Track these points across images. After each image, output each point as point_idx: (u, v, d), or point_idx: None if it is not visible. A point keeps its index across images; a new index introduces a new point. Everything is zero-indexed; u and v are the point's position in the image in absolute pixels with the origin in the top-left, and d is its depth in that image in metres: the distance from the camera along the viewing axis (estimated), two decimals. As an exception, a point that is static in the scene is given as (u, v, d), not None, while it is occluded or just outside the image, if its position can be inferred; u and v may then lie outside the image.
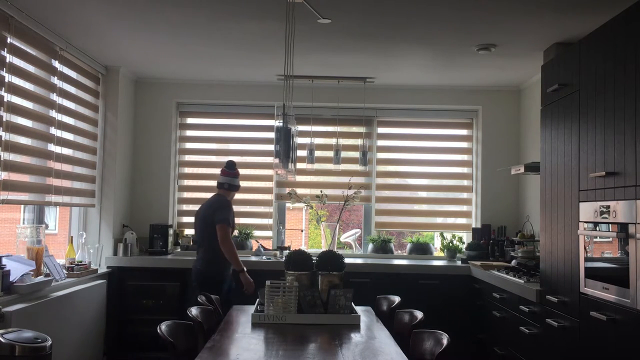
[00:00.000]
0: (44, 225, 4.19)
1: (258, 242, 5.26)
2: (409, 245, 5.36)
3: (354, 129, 5.47)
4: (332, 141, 5.14)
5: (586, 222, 2.95)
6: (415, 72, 4.89)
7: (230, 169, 4.36)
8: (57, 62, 4.12)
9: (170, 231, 5.13)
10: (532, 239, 4.56)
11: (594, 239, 2.90)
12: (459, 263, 4.95)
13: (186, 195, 5.52)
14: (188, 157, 5.54)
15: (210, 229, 4.09)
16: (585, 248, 2.96)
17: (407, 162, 5.50)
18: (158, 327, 2.60)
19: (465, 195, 5.48)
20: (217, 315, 3.38)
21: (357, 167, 5.19)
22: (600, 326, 2.72)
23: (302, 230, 8.29)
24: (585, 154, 3.00)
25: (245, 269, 4.14)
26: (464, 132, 5.53)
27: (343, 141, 5.26)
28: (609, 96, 2.77)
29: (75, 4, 3.46)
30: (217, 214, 4.09)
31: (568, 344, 3.05)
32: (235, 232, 5.23)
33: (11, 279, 3.31)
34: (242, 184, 5.61)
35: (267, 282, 3.14)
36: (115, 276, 4.70)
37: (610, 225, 2.70)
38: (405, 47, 4.17)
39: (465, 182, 5.50)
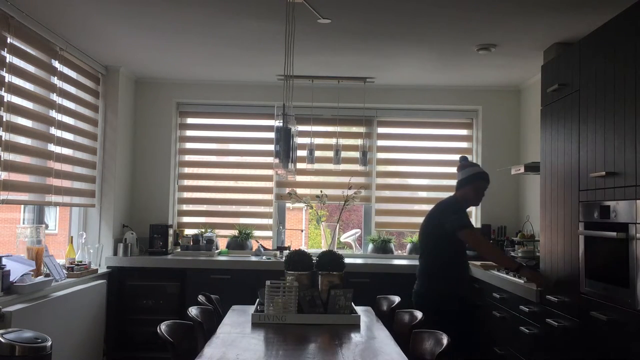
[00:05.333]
0: (44, 225, 4.19)
1: (258, 242, 5.26)
2: (409, 245, 5.36)
3: (354, 129, 5.47)
4: (332, 141, 5.14)
5: (586, 222, 2.95)
6: (415, 72, 4.89)
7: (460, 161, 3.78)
8: (57, 62, 4.12)
9: (170, 231, 5.13)
10: (532, 239, 4.55)
11: (594, 239, 2.90)
12: (459, 263, 4.95)
13: (186, 195, 5.52)
14: (188, 157, 5.54)
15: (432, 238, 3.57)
16: (585, 248, 2.96)
17: (407, 162, 5.50)
18: (158, 327, 2.60)
19: (465, 195, 5.47)
20: (217, 315, 3.38)
21: (357, 167, 5.19)
22: (600, 326, 2.72)
23: (302, 230, 8.29)
24: (585, 154, 3.00)
25: (523, 264, 3.45)
26: (464, 132, 5.53)
27: (343, 141, 5.26)
28: (609, 96, 2.77)
29: (75, 4, 3.46)
30: (448, 219, 3.47)
31: (568, 344, 3.05)
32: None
33: (11, 279, 3.31)
34: (242, 184, 5.64)
35: (267, 282, 3.14)
36: (115, 276, 4.70)
37: (610, 225, 2.70)
38: (405, 47, 4.17)
39: (465, 182, 5.49)
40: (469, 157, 5.43)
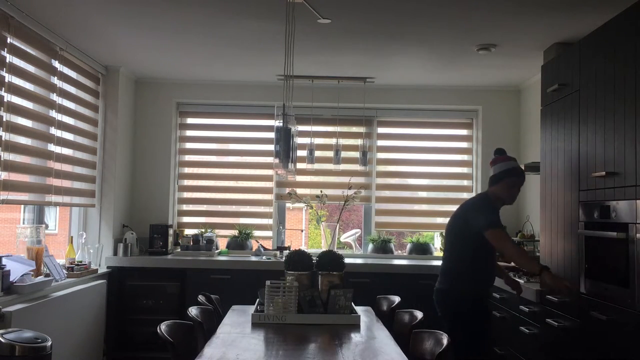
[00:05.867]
0: (44, 225, 4.19)
1: (258, 242, 5.26)
2: (409, 245, 5.36)
3: (354, 129, 5.47)
4: (332, 141, 5.14)
5: (586, 222, 2.95)
6: (415, 72, 4.89)
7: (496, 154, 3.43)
8: (57, 62, 4.12)
9: (170, 231, 5.13)
10: (532, 239, 4.56)
11: (594, 239, 2.90)
12: (459, 263, 4.94)
13: (186, 195, 5.52)
14: (188, 157, 5.54)
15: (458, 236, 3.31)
16: (585, 248, 2.96)
17: (407, 162, 5.50)
18: (158, 327, 2.60)
19: (465, 195, 5.46)
20: (217, 315, 3.38)
21: (357, 167, 5.19)
22: (600, 326, 2.72)
23: (302, 230, 8.29)
24: (585, 154, 3.00)
25: (546, 267, 3.03)
26: (464, 132, 5.53)
27: (343, 141, 5.26)
28: (609, 96, 2.77)
29: (75, 4, 3.46)
30: (475, 217, 3.20)
31: (568, 344, 3.05)
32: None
33: (11, 279, 3.31)
34: (242, 184, 5.64)
35: (267, 282, 3.14)
36: (115, 276, 4.70)
37: (610, 225, 2.70)
38: (405, 47, 4.17)
39: (465, 182, 5.50)
40: (469, 157, 5.46)
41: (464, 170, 5.49)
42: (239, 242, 5.30)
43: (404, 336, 2.94)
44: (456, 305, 3.22)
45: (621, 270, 2.58)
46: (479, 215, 3.18)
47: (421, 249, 5.30)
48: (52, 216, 5.27)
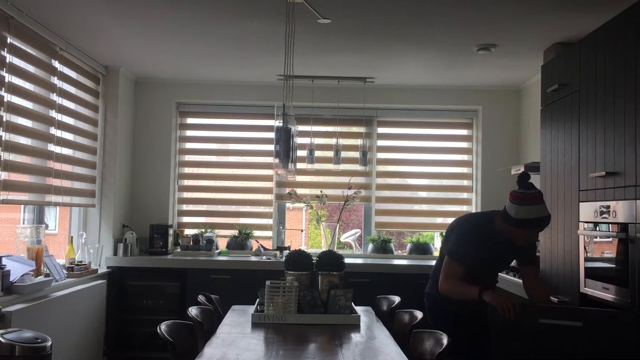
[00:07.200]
0: (44, 225, 4.19)
1: (258, 242, 5.26)
2: (409, 245, 5.36)
3: (354, 129, 5.47)
4: (332, 141, 5.14)
5: (586, 222, 2.95)
6: (415, 72, 4.89)
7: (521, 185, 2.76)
8: (57, 62, 4.12)
9: (170, 231, 5.13)
10: (532, 239, 4.55)
11: (594, 239, 2.90)
12: (459, 263, 4.94)
13: (186, 195, 5.52)
14: (188, 157, 5.54)
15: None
16: (585, 248, 2.96)
17: (407, 162, 5.50)
18: (158, 327, 2.60)
19: (465, 195, 5.48)
20: (217, 315, 3.38)
21: (357, 167, 5.19)
22: (600, 326, 2.72)
23: (302, 230, 8.29)
24: (585, 154, 3.00)
25: (483, 292, 2.74)
26: (464, 132, 5.53)
27: (343, 141, 5.26)
28: (609, 96, 2.77)
29: (75, 4, 3.46)
30: (451, 236, 2.99)
31: (568, 344, 3.04)
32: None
33: (11, 279, 3.31)
34: (242, 184, 5.64)
35: (267, 282, 3.14)
36: (115, 276, 4.70)
37: (610, 225, 2.70)
38: (405, 47, 4.17)
39: (465, 182, 5.50)
40: (469, 157, 5.45)
41: (464, 170, 5.49)
42: (239, 242, 5.30)
43: (403, 336, 2.94)
44: (446, 313, 3.04)
45: (621, 270, 2.58)
46: (454, 237, 2.96)
47: (421, 249, 5.30)
48: (52, 216, 5.27)
